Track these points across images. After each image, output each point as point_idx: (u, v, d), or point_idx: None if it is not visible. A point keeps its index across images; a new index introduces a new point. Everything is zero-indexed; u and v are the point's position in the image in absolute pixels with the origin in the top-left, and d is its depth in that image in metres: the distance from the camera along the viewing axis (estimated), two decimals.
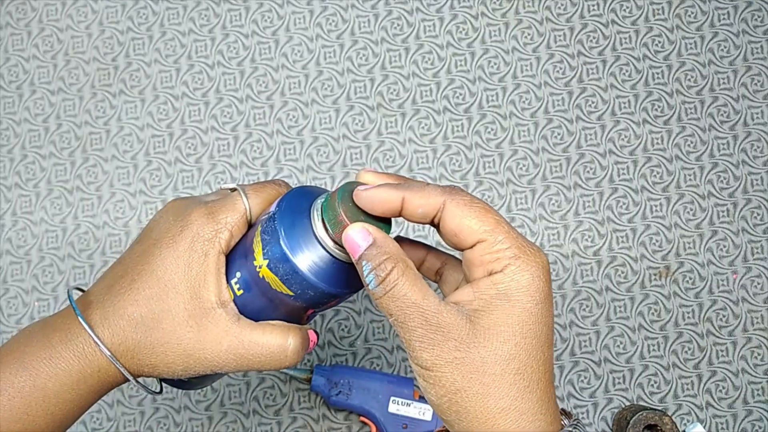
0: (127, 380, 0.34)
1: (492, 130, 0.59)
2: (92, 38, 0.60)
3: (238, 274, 0.33)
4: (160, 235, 0.33)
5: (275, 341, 0.33)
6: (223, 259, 0.33)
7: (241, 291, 0.34)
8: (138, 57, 0.60)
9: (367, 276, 0.30)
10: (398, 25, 0.60)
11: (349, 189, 0.31)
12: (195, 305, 0.32)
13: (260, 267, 0.32)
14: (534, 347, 0.29)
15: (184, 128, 0.59)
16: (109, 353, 0.32)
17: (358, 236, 0.30)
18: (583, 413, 0.56)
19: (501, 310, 0.29)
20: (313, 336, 0.35)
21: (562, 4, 0.60)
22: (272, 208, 0.33)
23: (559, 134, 0.58)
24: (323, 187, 0.58)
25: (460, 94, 0.59)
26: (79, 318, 0.33)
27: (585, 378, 0.56)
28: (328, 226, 0.32)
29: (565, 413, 0.32)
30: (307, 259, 0.32)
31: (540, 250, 0.30)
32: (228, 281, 0.34)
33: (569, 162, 0.58)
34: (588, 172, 0.58)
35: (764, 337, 0.57)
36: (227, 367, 0.33)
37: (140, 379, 0.40)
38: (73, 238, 0.58)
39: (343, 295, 0.34)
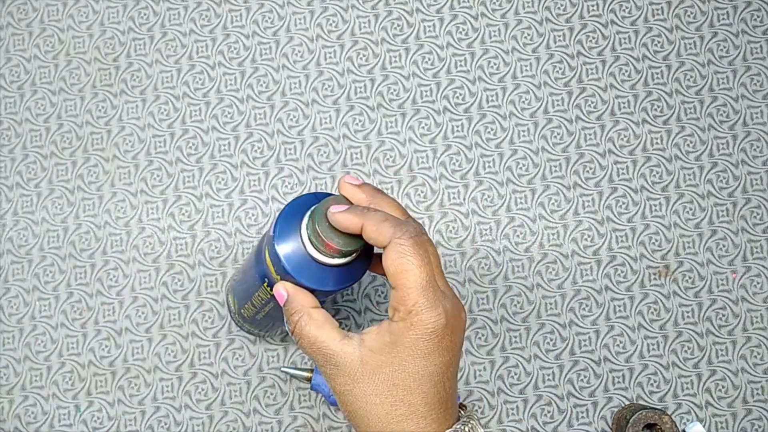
0: None
1: (492, 130, 0.59)
2: (93, 38, 0.61)
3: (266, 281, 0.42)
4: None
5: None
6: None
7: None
8: (139, 57, 0.60)
9: (285, 325, 0.38)
10: (398, 25, 0.60)
11: (323, 210, 0.37)
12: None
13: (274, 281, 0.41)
14: (411, 387, 0.35)
15: (185, 128, 0.59)
16: None
17: (279, 293, 0.39)
18: (582, 412, 0.56)
19: (386, 354, 0.35)
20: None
21: (561, 5, 0.60)
22: (272, 229, 0.39)
23: (558, 134, 0.59)
24: (324, 190, 0.59)
25: (460, 94, 0.59)
26: None
27: (584, 377, 0.57)
28: (312, 241, 0.38)
29: (462, 407, 0.39)
30: (301, 268, 0.39)
31: (443, 314, 0.35)
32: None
33: (569, 162, 0.58)
34: (587, 171, 0.58)
35: (764, 337, 0.57)
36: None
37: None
38: (74, 238, 0.59)
39: (331, 292, 0.40)
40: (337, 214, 0.36)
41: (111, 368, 0.57)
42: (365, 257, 0.40)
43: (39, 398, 0.57)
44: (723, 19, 0.59)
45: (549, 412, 0.56)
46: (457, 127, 0.59)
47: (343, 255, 0.38)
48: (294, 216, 0.39)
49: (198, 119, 0.59)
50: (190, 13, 0.61)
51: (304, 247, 0.38)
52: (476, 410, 0.56)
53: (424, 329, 0.35)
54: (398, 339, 0.35)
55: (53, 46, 0.61)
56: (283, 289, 0.39)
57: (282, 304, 0.39)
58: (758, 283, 0.57)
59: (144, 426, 0.56)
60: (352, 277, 0.39)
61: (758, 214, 0.58)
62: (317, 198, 0.40)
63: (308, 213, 0.38)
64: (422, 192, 0.58)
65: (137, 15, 0.61)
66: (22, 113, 0.60)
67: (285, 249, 0.38)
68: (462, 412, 0.39)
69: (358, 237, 0.37)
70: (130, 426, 0.56)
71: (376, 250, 0.40)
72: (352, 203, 0.38)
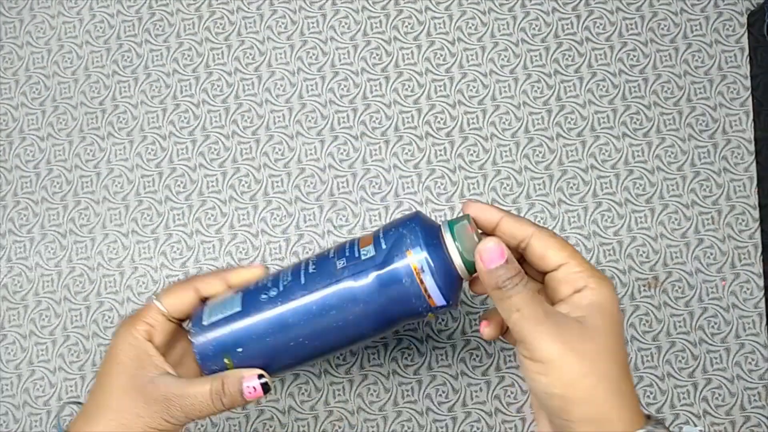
0: None
1: (474, 152, 0.59)
2: (79, 83, 0.62)
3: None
4: (108, 351, 0.41)
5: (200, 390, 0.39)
6: (145, 343, 0.40)
7: None
8: (124, 99, 0.61)
9: (503, 282, 0.35)
10: (377, 54, 0.61)
11: (461, 227, 0.38)
12: (136, 382, 0.39)
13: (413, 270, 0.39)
14: (621, 342, 0.36)
15: (173, 167, 0.60)
16: None
17: (497, 249, 0.36)
18: None
19: (597, 315, 0.35)
20: (235, 384, 0.39)
21: (536, 25, 0.61)
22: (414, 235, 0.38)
23: (540, 152, 0.59)
24: (312, 220, 0.59)
25: (441, 119, 0.60)
26: None
27: None
28: (463, 258, 0.37)
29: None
30: (453, 286, 0.39)
31: (603, 273, 0.37)
32: None
33: (552, 179, 0.59)
34: (571, 188, 0.59)
35: (757, 342, 0.57)
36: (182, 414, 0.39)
37: None
38: (69, 281, 0.59)
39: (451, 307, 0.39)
40: (480, 203, 0.39)
41: None
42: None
43: None
44: (696, 30, 0.60)
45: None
46: (440, 151, 0.60)
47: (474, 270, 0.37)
48: (431, 235, 0.38)
49: (185, 157, 0.60)
50: (173, 53, 0.62)
51: (452, 262, 0.37)
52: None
53: (609, 284, 0.36)
54: (596, 299, 0.36)
55: (39, 93, 0.62)
56: (503, 248, 0.36)
57: (502, 261, 0.36)
58: (748, 289, 0.58)
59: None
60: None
61: (743, 220, 0.58)
62: (418, 221, 0.38)
63: (448, 232, 0.38)
64: None
65: (121, 58, 0.62)
66: (12, 160, 0.61)
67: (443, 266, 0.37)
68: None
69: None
70: None
71: None
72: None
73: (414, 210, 0.38)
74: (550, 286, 0.38)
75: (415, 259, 0.37)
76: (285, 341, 0.38)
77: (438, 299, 0.37)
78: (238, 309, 0.39)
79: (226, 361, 0.39)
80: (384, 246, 0.38)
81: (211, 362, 0.39)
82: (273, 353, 0.39)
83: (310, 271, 0.39)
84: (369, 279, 0.37)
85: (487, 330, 0.41)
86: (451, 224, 0.38)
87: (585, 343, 0.34)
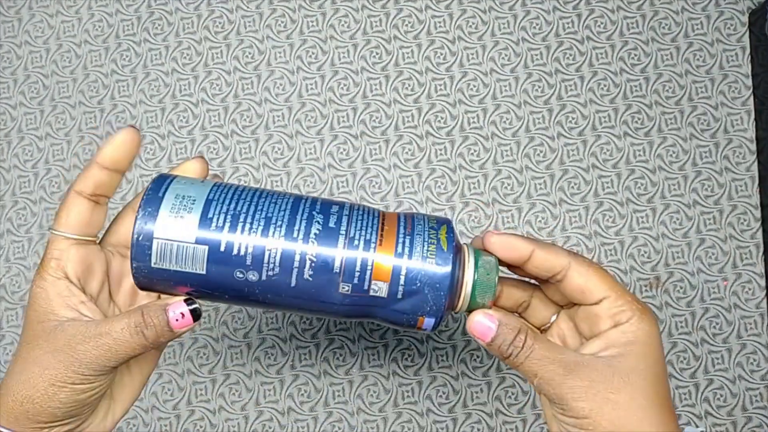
0: None
1: (475, 151, 0.59)
2: (77, 83, 0.61)
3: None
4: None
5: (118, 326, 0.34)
6: (56, 283, 0.34)
7: None
8: (123, 99, 0.61)
9: (507, 350, 0.33)
10: (377, 53, 0.61)
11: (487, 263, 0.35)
12: (43, 329, 0.34)
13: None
14: (663, 382, 0.34)
15: (172, 166, 0.60)
16: None
17: (486, 321, 0.34)
18: None
19: (635, 354, 0.33)
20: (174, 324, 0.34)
21: (537, 24, 0.61)
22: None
23: (541, 152, 0.59)
24: None
25: (442, 118, 0.60)
26: None
27: None
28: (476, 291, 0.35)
29: None
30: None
31: (646, 305, 0.35)
32: None
33: (553, 179, 0.59)
34: (572, 187, 0.59)
35: (759, 343, 0.57)
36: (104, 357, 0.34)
37: None
38: None
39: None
40: (504, 235, 0.35)
41: None
42: None
43: None
44: (697, 29, 0.60)
45: (548, 431, 0.56)
46: (441, 150, 0.59)
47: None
48: (451, 296, 0.34)
49: (184, 157, 0.60)
50: (172, 52, 0.61)
51: (458, 297, 0.34)
52: None
53: (653, 317, 0.34)
54: (637, 336, 0.33)
55: (38, 92, 0.61)
56: (490, 316, 0.34)
57: (493, 333, 0.34)
58: (750, 289, 0.57)
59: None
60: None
61: (745, 220, 0.58)
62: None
63: (471, 282, 0.34)
64: None
65: (119, 57, 0.61)
66: (10, 160, 0.61)
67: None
68: None
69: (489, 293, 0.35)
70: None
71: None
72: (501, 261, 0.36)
73: (450, 261, 0.33)
74: (589, 319, 0.35)
75: (424, 323, 0.34)
76: (245, 304, 0.35)
77: (427, 327, 0.35)
78: (201, 272, 0.33)
79: None
80: (400, 296, 0.33)
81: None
82: (225, 304, 0.34)
83: (305, 276, 0.33)
84: (364, 311, 0.34)
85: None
86: (477, 257, 0.34)
87: (619, 392, 0.32)
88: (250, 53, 0.61)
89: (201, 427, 0.57)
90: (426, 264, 0.33)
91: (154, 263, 0.33)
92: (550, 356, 0.33)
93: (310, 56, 0.61)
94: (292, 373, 0.57)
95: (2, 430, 0.34)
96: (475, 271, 0.34)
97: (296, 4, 0.61)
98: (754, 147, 0.59)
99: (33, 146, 0.61)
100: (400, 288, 0.33)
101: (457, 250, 0.34)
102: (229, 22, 0.61)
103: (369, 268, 0.33)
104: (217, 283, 0.33)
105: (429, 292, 0.33)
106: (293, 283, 0.33)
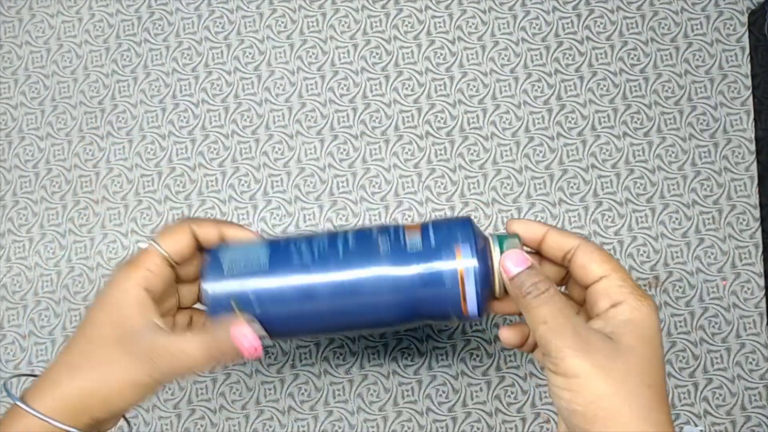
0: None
1: (475, 151, 0.59)
2: (78, 83, 0.61)
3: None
4: (97, 297, 0.38)
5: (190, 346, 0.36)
6: (141, 292, 0.37)
7: None
8: (123, 99, 0.61)
9: (528, 288, 0.35)
10: (377, 54, 0.61)
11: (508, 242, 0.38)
12: (120, 332, 0.36)
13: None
14: (658, 366, 0.34)
15: (172, 166, 0.60)
16: (40, 414, 0.34)
17: (521, 255, 0.37)
18: None
19: (631, 333, 0.34)
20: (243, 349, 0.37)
21: (536, 24, 0.61)
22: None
23: (541, 152, 0.59)
24: (311, 219, 0.59)
25: (442, 118, 0.60)
26: (16, 401, 0.35)
27: None
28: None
29: None
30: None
31: (646, 293, 0.36)
32: None
33: (552, 179, 0.59)
34: (572, 187, 0.59)
35: (758, 342, 0.57)
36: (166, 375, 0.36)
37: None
38: (68, 281, 0.59)
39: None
40: (523, 221, 0.39)
41: None
42: None
43: None
44: (697, 29, 0.60)
45: (548, 429, 0.56)
46: (440, 150, 0.59)
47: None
48: (481, 244, 0.37)
49: (184, 157, 0.60)
50: (172, 52, 0.62)
51: (493, 276, 0.37)
52: None
53: (650, 302, 0.35)
54: (634, 315, 0.34)
55: (39, 92, 0.62)
56: (524, 256, 0.36)
57: (526, 265, 0.36)
58: (749, 288, 0.57)
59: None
60: None
61: (744, 220, 0.58)
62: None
63: (497, 245, 0.37)
64: (409, 216, 0.59)
65: (120, 57, 0.62)
66: (11, 160, 0.61)
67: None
68: None
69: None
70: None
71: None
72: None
73: (465, 215, 0.39)
74: (590, 300, 0.37)
75: (464, 263, 0.36)
76: (305, 310, 0.37)
77: (472, 309, 0.37)
78: (266, 266, 0.37)
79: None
80: (433, 240, 0.37)
81: (222, 313, 0.36)
82: (289, 319, 0.37)
83: (350, 245, 0.37)
84: (410, 270, 0.36)
85: (506, 332, 0.40)
86: (501, 239, 0.37)
87: (614, 361, 0.33)
88: (250, 53, 0.61)
89: (201, 426, 0.57)
90: (448, 219, 0.39)
91: (224, 271, 0.38)
92: (564, 311, 0.34)
93: (311, 56, 0.61)
94: (293, 372, 0.57)
95: (51, 422, 0.34)
96: (501, 246, 0.37)
97: (296, 5, 0.62)
98: (753, 147, 0.59)
99: (34, 146, 0.61)
100: (432, 235, 0.37)
101: (471, 218, 0.39)
102: (230, 22, 0.61)
103: (400, 227, 0.38)
104: (278, 274, 0.37)
105: (457, 230, 0.37)
106: (341, 254, 0.37)
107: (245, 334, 0.35)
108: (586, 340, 0.33)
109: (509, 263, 0.36)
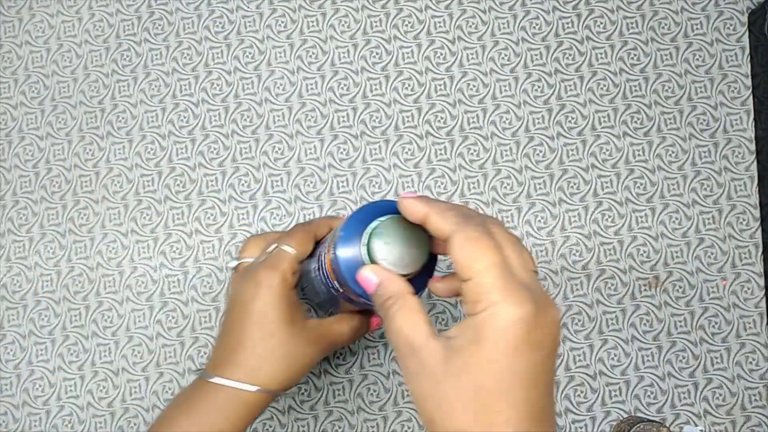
0: (275, 398, 0.47)
1: (475, 151, 0.59)
2: (78, 83, 0.61)
3: (314, 264, 0.46)
4: (245, 298, 0.46)
5: (339, 328, 0.48)
6: (288, 291, 0.46)
7: (315, 274, 0.46)
8: (123, 98, 0.61)
9: (380, 304, 0.36)
10: (377, 53, 0.61)
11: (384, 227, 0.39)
12: (288, 322, 0.45)
13: (326, 260, 0.43)
14: (497, 390, 0.31)
15: (172, 166, 0.60)
16: (256, 388, 0.44)
17: (370, 276, 0.37)
18: (581, 428, 0.56)
19: (470, 353, 0.31)
20: (373, 322, 0.50)
21: (536, 24, 0.61)
22: (339, 230, 0.41)
23: (541, 151, 0.59)
24: (314, 214, 0.59)
25: (442, 118, 0.60)
26: (222, 381, 0.45)
27: (581, 392, 0.57)
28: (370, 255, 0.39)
29: None
30: (349, 264, 0.40)
31: (527, 300, 0.31)
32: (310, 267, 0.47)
33: (552, 178, 0.59)
34: (572, 187, 0.59)
35: (758, 342, 0.57)
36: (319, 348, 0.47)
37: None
38: (68, 281, 0.59)
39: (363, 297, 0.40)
40: (407, 198, 0.36)
41: (110, 409, 0.57)
42: (426, 274, 0.40)
43: None
44: (697, 29, 0.60)
45: None
46: (440, 150, 0.59)
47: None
48: (359, 224, 0.40)
49: (184, 156, 0.60)
50: (172, 52, 0.62)
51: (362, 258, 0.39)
52: None
53: (507, 318, 0.30)
54: (481, 333, 0.31)
55: (38, 92, 0.62)
56: (373, 274, 0.37)
57: (371, 291, 0.37)
58: (749, 288, 0.57)
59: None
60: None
61: (744, 219, 0.58)
62: (377, 208, 0.40)
63: (371, 227, 0.39)
64: None
65: (120, 57, 0.62)
66: (11, 160, 0.61)
67: (345, 254, 0.40)
68: None
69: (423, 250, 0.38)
70: None
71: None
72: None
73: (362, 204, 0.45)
74: (462, 300, 0.33)
75: (330, 253, 0.42)
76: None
77: (354, 288, 0.40)
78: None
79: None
80: (330, 235, 0.45)
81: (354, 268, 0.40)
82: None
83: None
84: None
85: (439, 285, 0.39)
86: (369, 243, 0.39)
87: (439, 386, 0.32)
88: (250, 53, 0.61)
89: None
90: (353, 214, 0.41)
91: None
92: (402, 332, 0.34)
93: (311, 56, 0.61)
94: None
95: (248, 388, 0.44)
96: (368, 242, 0.39)
97: (296, 4, 0.62)
98: (753, 147, 0.59)
99: (34, 146, 0.61)
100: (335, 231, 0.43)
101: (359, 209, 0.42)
102: (230, 22, 0.61)
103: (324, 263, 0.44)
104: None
105: (339, 230, 0.41)
106: None
107: (369, 278, 0.38)
108: (420, 362, 0.32)
109: (363, 284, 0.38)
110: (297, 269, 0.47)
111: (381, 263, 0.37)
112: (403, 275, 0.38)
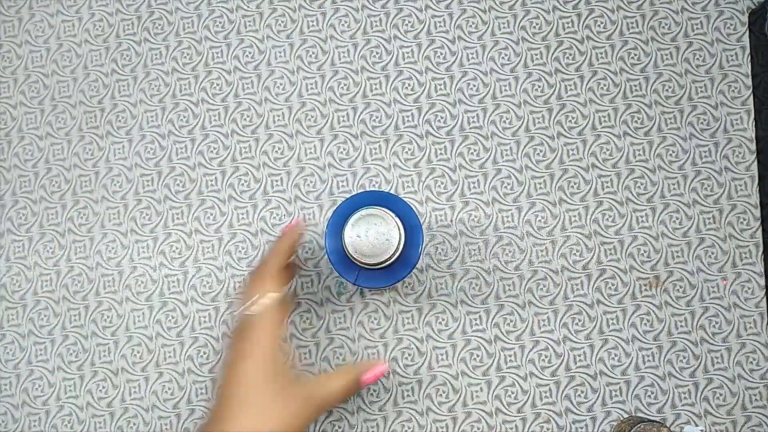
0: None
1: (475, 150, 0.59)
2: (78, 82, 0.61)
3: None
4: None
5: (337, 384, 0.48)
6: (283, 345, 0.48)
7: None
8: (123, 98, 0.61)
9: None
10: (377, 53, 0.61)
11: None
12: (282, 384, 0.47)
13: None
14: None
15: (172, 166, 0.60)
16: None
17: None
18: (581, 428, 0.56)
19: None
20: (378, 369, 0.50)
21: (536, 24, 0.61)
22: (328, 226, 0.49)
23: (541, 151, 0.59)
24: (311, 219, 0.59)
25: (442, 118, 0.60)
26: None
27: (582, 392, 0.57)
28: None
29: None
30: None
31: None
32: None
33: (553, 178, 0.59)
34: (572, 187, 0.59)
35: (758, 342, 0.57)
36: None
37: None
38: (67, 281, 0.59)
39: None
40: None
41: (109, 409, 0.57)
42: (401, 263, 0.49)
43: None
44: (697, 28, 0.60)
45: (548, 429, 0.56)
46: (440, 150, 0.59)
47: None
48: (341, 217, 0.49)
49: (184, 156, 0.60)
50: (172, 52, 0.61)
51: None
52: None
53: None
54: None
55: (38, 92, 0.61)
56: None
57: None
58: (749, 288, 0.57)
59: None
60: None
61: (744, 219, 0.58)
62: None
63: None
64: None
65: (120, 57, 0.62)
66: (10, 159, 0.61)
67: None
68: None
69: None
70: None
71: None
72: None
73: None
74: None
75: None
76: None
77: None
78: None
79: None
80: None
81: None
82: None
83: None
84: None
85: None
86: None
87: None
88: (250, 53, 0.61)
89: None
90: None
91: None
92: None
93: (310, 56, 0.61)
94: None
95: None
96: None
97: (296, 4, 0.61)
98: (753, 146, 0.59)
99: (33, 146, 0.61)
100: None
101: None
102: (230, 21, 0.61)
103: None
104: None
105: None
106: None
107: (375, 374, 0.48)
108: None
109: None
110: (285, 314, 0.51)
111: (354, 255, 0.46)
112: (376, 264, 0.46)
